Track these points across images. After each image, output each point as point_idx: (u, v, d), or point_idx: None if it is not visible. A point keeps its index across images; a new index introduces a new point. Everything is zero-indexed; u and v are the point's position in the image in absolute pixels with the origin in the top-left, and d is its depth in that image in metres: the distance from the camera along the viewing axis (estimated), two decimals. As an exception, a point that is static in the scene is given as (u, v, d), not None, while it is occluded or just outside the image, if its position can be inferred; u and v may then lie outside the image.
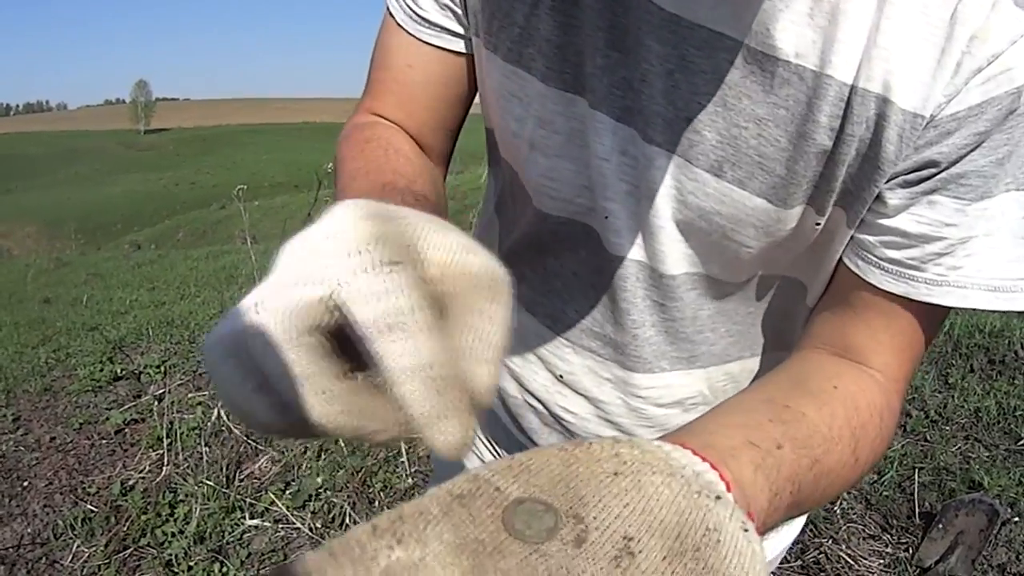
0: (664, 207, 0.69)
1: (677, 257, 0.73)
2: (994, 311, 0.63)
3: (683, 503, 0.37)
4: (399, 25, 0.78)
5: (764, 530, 0.51)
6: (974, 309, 0.63)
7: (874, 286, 0.65)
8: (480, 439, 1.02)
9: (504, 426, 0.97)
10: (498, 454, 0.99)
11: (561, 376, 0.86)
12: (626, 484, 0.37)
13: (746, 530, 0.37)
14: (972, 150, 0.59)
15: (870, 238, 0.65)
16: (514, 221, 0.85)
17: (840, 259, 0.68)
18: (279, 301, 0.38)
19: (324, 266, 0.38)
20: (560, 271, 0.81)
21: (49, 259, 9.86)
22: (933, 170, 0.60)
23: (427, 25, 0.77)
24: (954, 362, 3.69)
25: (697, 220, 0.69)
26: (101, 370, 3.77)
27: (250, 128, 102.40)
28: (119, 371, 3.78)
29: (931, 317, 0.66)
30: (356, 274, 0.37)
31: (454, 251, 0.41)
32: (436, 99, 0.81)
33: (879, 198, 0.63)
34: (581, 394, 0.86)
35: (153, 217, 33.14)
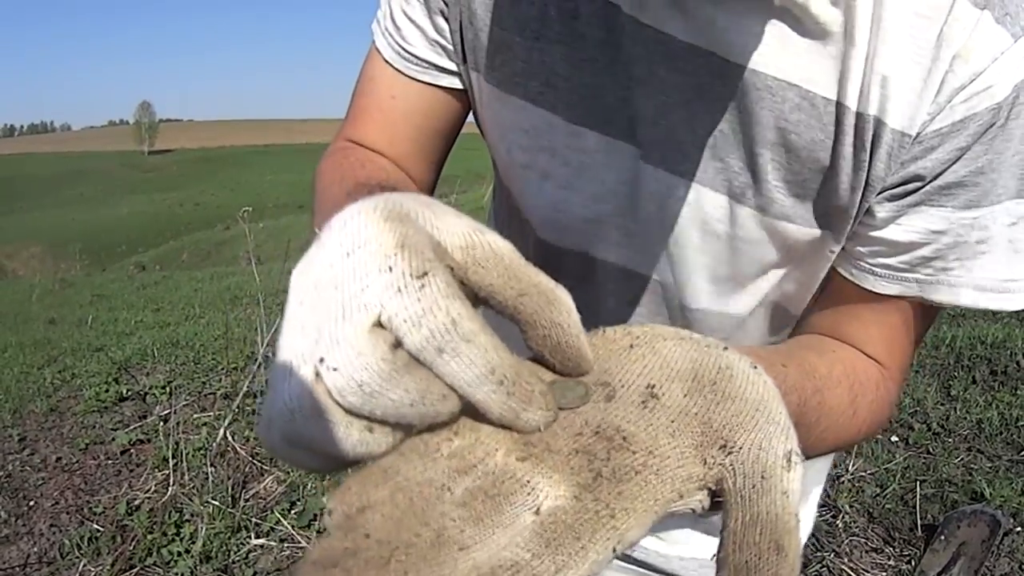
0: (688, 235, 0.70)
1: (697, 289, 0.73)
2: (982, 309, 0.66)
3: (695, 354, 0.42)
4: (385, 60, 0.78)
5: None
6: (963, 308, 0.66)
7: (868, 290, 0.68)
8: None
9: None
10: None
11: None
12: (642, 351, 0.43)
13: (755, 367, 0.42)
14: (954, 163, 0.61)
15: (862, 249, 0.67)
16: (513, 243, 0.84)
17: (834, 268, 0.70)
18: (346, 348, 0.34)
19: (359, 290, 0.35)
20: None
21: (54, 280, 9.90)
22: (918, 183, 0.62)
23: (414, 61, 0.77)
24: (956, 374, 3.69)
25: (716, 245, 0.69)
26: (107, 391, 3.79)
27: (254, 149, 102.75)
28: (124, 392, 3.80)
29: (922, 314, 0.69)
30: (392, 296, 0.34)
31: (468, 233, 0.39)
32: (418, 129, 0.81)
33: (869, 212, 0.65)
34: None
35: (158, 238, 33.25)
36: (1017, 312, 4.51)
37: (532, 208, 0.76)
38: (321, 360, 0.35)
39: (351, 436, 0.36)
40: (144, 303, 7.10)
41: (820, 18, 0.58)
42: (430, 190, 0.87)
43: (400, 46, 0.76)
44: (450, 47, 0.75)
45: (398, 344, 0.35)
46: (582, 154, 0.70)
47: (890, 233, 0.65)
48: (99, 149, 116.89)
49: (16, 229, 41.34)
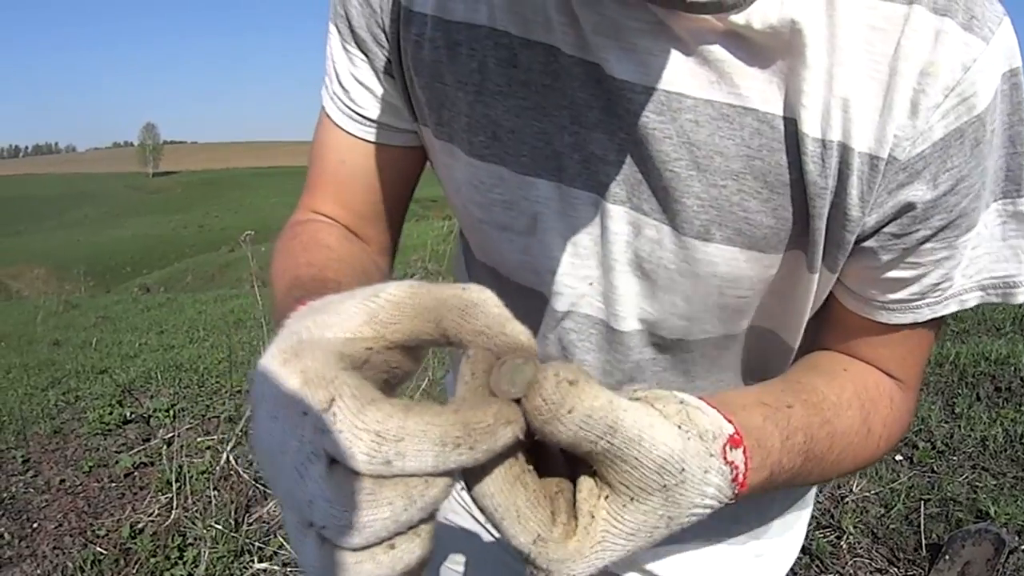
0: (661, 275, 0.67)
1: (673, 327, 0.71)
2: (986, 304, 0.68)
3: None
4: (334, 123, 0.77)
5: (783, 475, 0.56)
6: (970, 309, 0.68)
7: (882, 323, 0.68)
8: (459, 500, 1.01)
9: None
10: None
11: None
12: None
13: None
14: (949, 193, 0.59)
15: (872, 290, 0.67)
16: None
17: (840, 305, 0.70)
18: (319, 504, 0.36)
19: (299, 446, 0.37)
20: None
21: (58, 301, 9.91)
22: (913, 213, 0.60)
23: (365, 122, 0.76)
24: (960, 391, 3.68)
25: (689, 282, 0.67)
26: (110, 413, 3.79)
27: (257, 171, 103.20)
28: (128, 414, 3.80)
29: (931, 326, 0.69)
30: (321, 438, 0.36)
31: (363, 306, 0.40)
32: (371, 192, 0.80)
33: (873, 254, 0.63)
34: None
35: (162, 260, 33.33)
36: (1020, 327, 4.48)
37: (498, 257, 0.75)
38: (311, 524, 0.37)
39: (382, 562, 0.37)
40: (148, 325, 7.11)
41: (764, 38, 0.56)
42: (391, 251, 0.87)
43: (350, 109, 0.76)
44: (398, 103, 0.75)
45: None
46: (536, 204, 0.68)
47: (899, 272, 0.64)
48: (104, 170, 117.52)
49: (21, 250, 41.45)
